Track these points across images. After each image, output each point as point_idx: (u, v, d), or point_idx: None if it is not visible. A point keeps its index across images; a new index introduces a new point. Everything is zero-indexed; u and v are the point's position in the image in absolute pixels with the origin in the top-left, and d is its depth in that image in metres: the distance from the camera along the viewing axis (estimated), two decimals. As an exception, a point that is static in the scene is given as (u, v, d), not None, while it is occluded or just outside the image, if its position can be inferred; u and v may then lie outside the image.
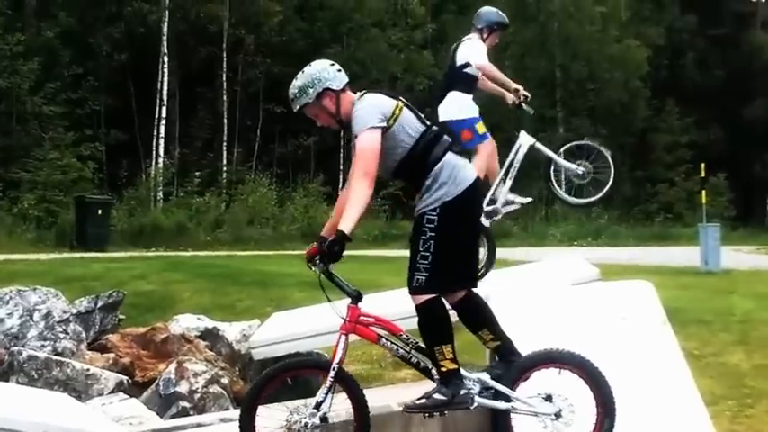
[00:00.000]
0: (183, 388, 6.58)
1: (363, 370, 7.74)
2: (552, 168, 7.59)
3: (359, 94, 4.68)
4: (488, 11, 7.69)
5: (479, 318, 4.79)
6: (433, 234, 4.50)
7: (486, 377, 4.64)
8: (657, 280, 6.57)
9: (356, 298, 4.57)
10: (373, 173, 4.40)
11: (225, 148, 32.75)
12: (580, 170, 7.52)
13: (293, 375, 4.68)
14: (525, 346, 4.85)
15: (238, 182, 30.40)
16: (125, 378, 6.92)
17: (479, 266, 7.21)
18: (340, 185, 28.83)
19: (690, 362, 5.76)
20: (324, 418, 4.40)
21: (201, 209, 27.33)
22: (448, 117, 7.38)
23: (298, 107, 4.70)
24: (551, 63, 40.70)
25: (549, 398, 4.64)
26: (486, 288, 6.15)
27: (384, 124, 4.50)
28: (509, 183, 7.36)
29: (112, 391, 6.61)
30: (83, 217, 21.35)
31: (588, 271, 6.85)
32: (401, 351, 4.63)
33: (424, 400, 4.55)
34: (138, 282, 12.55)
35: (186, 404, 6.52)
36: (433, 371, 4.61)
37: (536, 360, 4.74)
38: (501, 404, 4.63)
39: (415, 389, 4.64)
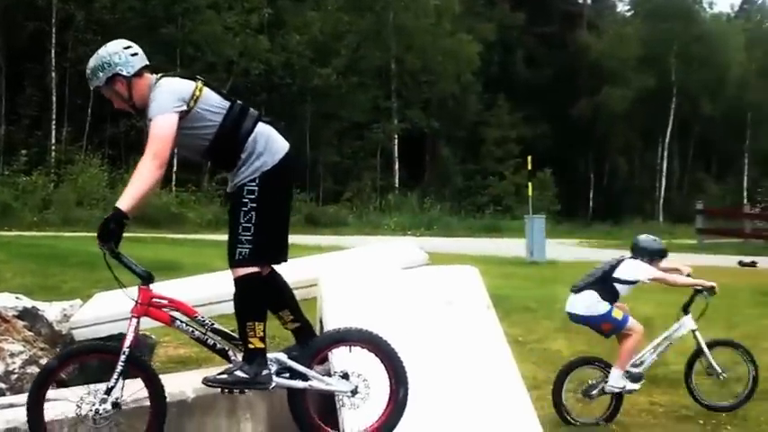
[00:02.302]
0: (-2, 369, 6.20)
1: (193, 353, 7.59)
2: (697, 360, 7.19)
3: (155, 77, 4.60)
4: (647, 241, 7.18)
5: (282, 298, 4.84)
6: (254, 205, 4.47)
7: (283, 357, 4.65)
8: (485, 269, 6.65)
9: (147, 279, 4.43)
10: (164, 157, 4.35)
11: (54, 126, 31.81)
12: (723, 375, 7.10)
13: (84, 360, 4.59)
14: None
15: (68, 162, 29.49)
16: (-67, 362, 6.44)
17: None
18: (174, 168, 28.27)
19: (514, 348, 5.87)
20: (116, 404, 4.28)
21: (28, 188, 26.36)
22: (579, 311, 7.11)
23: (92, 87, 4.60)
24: (387, 54, 41.12)
25: (345, 376, 4.71)
26: (317, 271, 6.09)
27: (183, 108, 4.44)
28: (654, 356, 7.08)
29: None
30: None
31: (417, 255, 6.86)
32: (197, 333, 4.57)
33: (225, 376, 4.51)
34: (-46, 263, 11.85)
35: (2, 385, 6.14)
36: (230, 352, 4.59)
37: (329, 340, 4.83)
38: (298, 383, 4.64)
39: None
